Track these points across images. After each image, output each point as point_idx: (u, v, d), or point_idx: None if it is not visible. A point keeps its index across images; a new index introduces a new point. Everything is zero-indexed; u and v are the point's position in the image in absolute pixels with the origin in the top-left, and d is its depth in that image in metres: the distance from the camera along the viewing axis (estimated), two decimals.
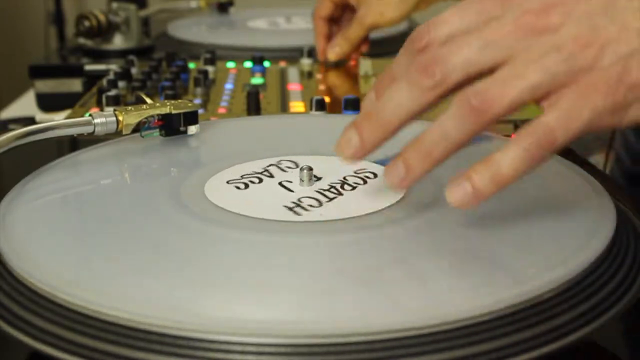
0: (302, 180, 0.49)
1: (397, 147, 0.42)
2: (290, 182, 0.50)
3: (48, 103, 0.97)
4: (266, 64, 0.92)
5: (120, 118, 0.55)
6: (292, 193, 0.48)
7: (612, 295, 0.39)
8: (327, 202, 0.47)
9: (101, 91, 0.76)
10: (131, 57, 0.91)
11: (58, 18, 2.27)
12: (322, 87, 0.85)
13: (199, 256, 0.41)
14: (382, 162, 0.46)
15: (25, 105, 1.03)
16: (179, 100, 0.59)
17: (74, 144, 0.64)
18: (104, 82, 0.81)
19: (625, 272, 0.41)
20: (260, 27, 1.20)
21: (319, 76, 0.89)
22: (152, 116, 0.57)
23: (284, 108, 0.75)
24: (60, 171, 0.54)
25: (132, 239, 0.43)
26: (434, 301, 0.36)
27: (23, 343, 0.36)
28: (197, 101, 0.77)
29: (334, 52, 0.94)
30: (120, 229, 0.44)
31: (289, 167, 0.52)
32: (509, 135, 0.55)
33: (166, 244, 0.43)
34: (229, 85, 0.83)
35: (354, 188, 0.48)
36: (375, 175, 0.50)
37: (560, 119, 0.38)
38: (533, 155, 0.38)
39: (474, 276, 0.39)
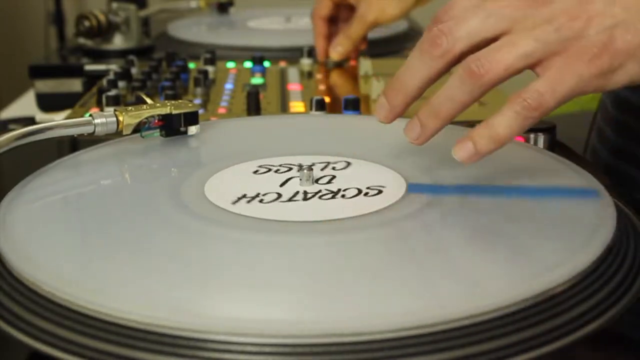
0: (302, 180, 0.49)
1: None
2: (291, 182, 0.50)
3: (48, 103, 0.97)
4: (266, 64, 0.92)
5: (121, 118, 0.55)
6: (292, 193, 0.48)
7: (612, 295, 0.39)
8: (327, 202, 0.47)
9: (101, 91, 0.76)
10: (131, 57, 0.91)
11: (58, 18, 2.27)
12: (322, 87, 0.85)
13: (199, 256, 0.41)
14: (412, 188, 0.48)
15: (25, 105, 1.03)
16: (179, 101, 0.59)
17: (74, 144, 0.64)
18: (104, 82, 0.81)
19: (625, 272, 0.41)
20: (260, 27, 1.20)
21: (318, 76, 0.89)
22: (153, 116, 0.57)
23: (284, 108, 0.75)
24: (60, 171, 0.54)
25: (132, 239, 0.43)
26: (434, 301, 0.36)
27: (23, 343, 0.36)
28: (197, 101, 0.76)
29: (336, 52, 0.94)
30: (121, 229, 0.44)
31: (289, 167, 0.52)
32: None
33: (166, 244, 0.43)
34: (229, 86, 0.83)
35: (354, 188, 0.48)
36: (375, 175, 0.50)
37: (549, 84, 0.43)
38: (525, 117, 0.44)
39: (473, 276, 0.39)
